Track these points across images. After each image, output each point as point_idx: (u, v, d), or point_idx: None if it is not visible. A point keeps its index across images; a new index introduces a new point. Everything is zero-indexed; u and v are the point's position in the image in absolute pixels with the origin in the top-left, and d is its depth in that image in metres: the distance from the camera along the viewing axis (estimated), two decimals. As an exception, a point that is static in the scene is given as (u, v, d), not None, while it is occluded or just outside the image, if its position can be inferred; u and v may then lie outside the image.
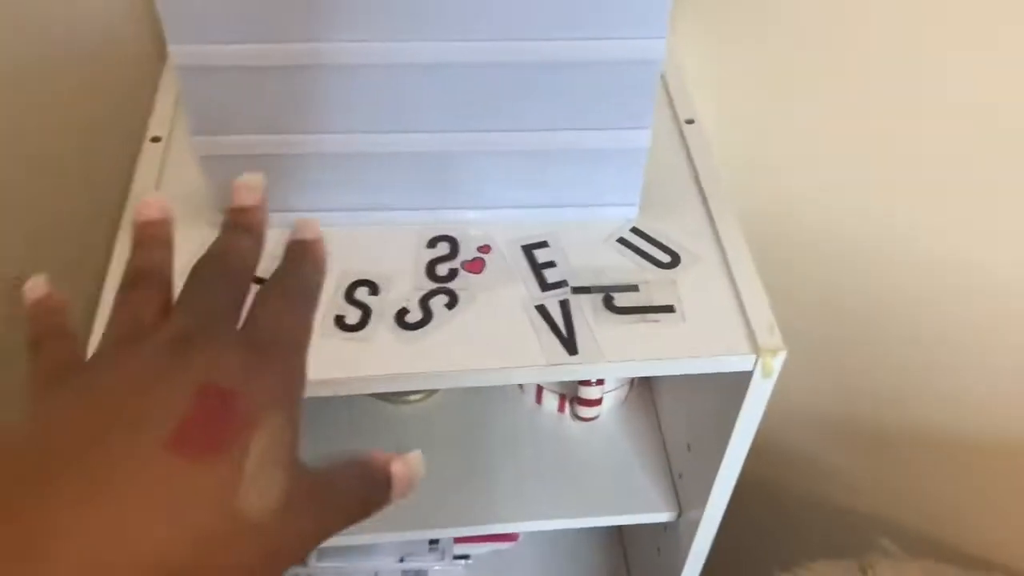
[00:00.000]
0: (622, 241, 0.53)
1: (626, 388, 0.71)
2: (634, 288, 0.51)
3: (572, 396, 0.68)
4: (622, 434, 0.70)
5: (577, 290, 0.50)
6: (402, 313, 0.49)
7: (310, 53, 0.45)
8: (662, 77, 0.65)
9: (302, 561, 0.79)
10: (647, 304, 0.50)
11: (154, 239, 0.35)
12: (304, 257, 0.36)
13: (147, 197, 0.36)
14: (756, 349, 0.48)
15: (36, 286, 0.35)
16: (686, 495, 0.65)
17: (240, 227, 0.35)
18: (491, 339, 0.48)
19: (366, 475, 0.32)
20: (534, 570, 0.91)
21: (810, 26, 0.65)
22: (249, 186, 0.36)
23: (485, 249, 0.53)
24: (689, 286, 0.51)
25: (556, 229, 0.54)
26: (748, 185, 0.74)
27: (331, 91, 0.47)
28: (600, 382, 0.65)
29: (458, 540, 0.85)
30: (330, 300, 0.49)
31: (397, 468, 0.32)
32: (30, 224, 0.76)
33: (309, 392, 0.42)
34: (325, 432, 0.69)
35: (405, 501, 0.33)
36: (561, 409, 0.71)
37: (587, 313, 0.49)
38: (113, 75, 0.69)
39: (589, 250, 0.53)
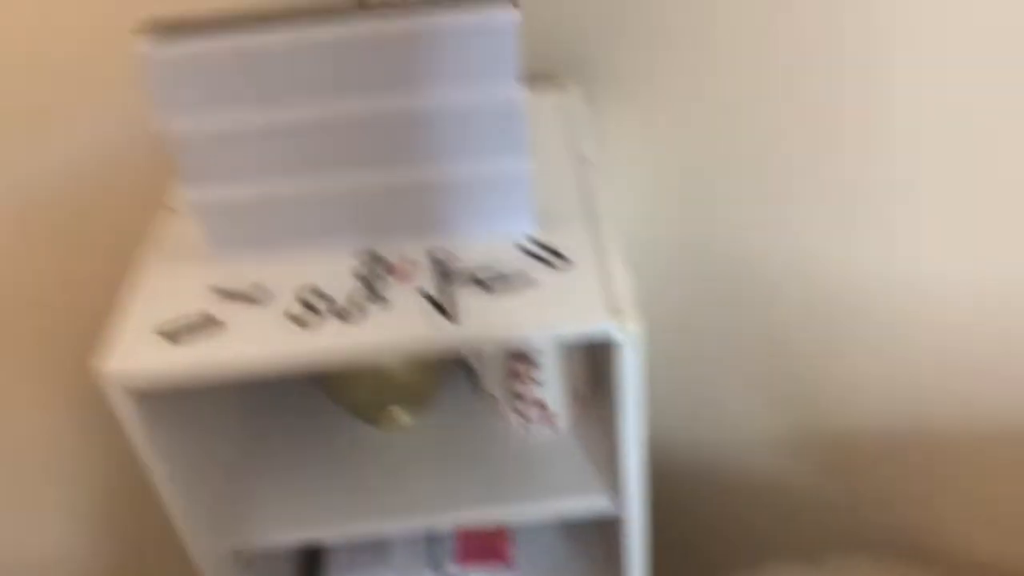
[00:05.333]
0: (518, 246, 0.67)
1: (579, 402, 0.82)
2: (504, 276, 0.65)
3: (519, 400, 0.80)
4: (578, 441, 0.81)
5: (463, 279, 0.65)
6: (343, 313, 0.64)
7: (271, 117, 0.62)
8: (568, 122, 0.80)
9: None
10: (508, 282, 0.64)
11: None
12: None
13: None
14: (615, 317, 0.60)
15: None
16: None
17: None
18: (403, 324, 0.62)
19: None
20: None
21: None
22: None
23: (408, 261, 0.68)
24: (565, 278, 0.64)
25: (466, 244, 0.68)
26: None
27: (284, 145, 0.64)
28: (530, 376, 0.76)
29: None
30: (288, 305, 0.64)
31: None
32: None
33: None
34: (313, 454, 0.82)
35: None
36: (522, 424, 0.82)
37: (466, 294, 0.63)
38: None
39: (488, 255, 0.67)
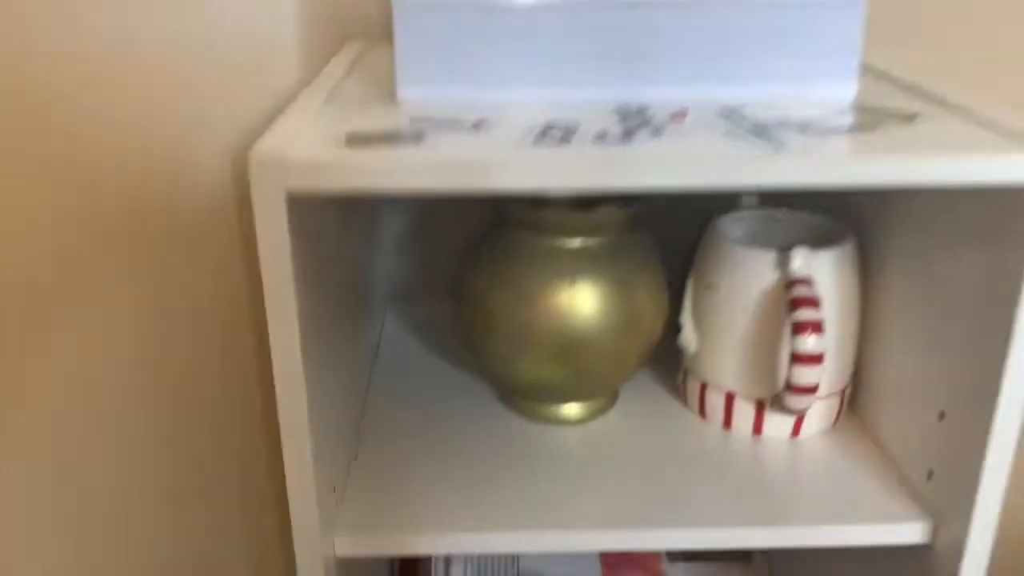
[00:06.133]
0: (842, 108, 0.47)
1: (834, 407, 0.59)
2: (833, 123, 0.44)
3: (777, 395, 0.56)
4: (831, 453, 0.57)
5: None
6: (602, 135, 0.43)
7: None
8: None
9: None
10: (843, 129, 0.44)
11: None
12: None
13: None
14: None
15: None
16: (942, 500, 0.50)
17: None
18: (700, 147, 0.41)
19: None
20: None
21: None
22: None
23: (683, 111, 0.47)
24: (921, 127, 0.44)
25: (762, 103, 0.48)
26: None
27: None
28: (818, 359, 0.53)
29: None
30: (526, 132, 0.43)
31: None
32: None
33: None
34: (480, 455, 0.58)
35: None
36: (757, 430, 0.58)
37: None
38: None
39: (807, 111, 0.47)
